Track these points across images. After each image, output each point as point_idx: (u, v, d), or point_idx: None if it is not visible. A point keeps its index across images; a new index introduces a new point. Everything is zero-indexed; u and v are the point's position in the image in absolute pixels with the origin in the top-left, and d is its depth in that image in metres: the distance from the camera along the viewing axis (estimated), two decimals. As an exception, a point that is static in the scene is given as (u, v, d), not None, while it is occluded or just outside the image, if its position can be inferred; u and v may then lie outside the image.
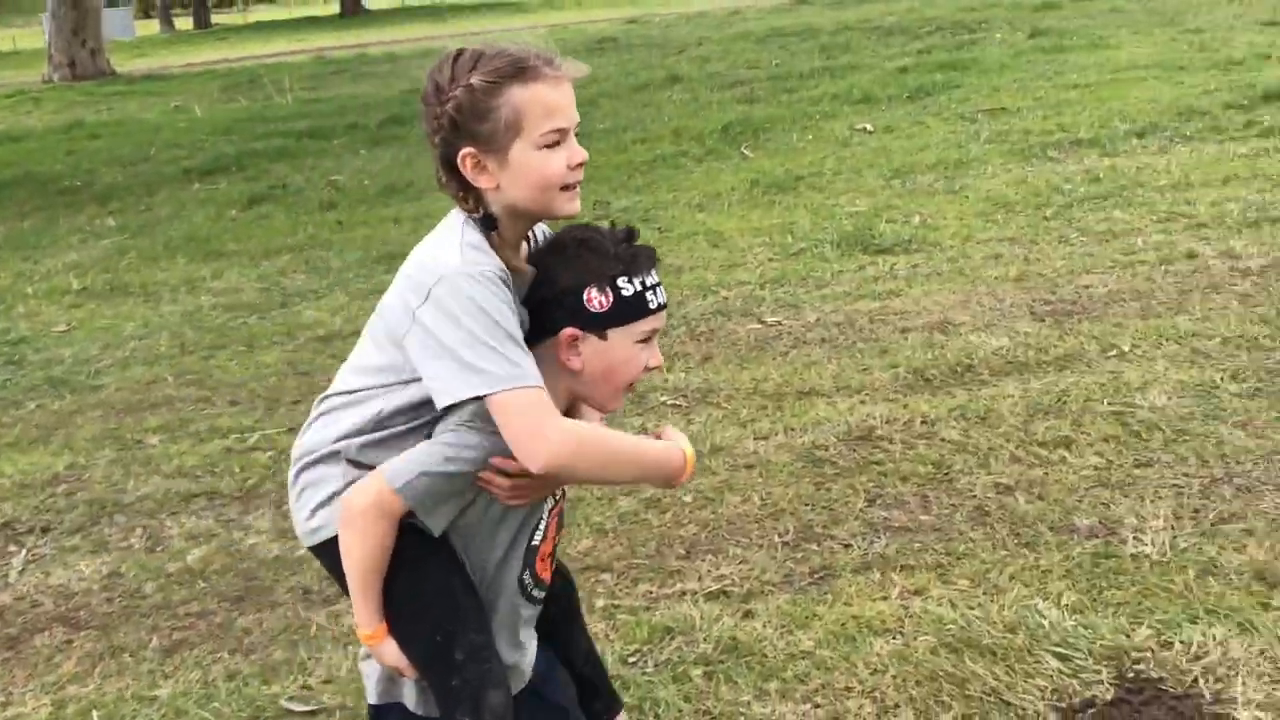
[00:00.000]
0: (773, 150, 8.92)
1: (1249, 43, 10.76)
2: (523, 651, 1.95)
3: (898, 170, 7.58)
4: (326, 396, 1.85)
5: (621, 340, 1.74)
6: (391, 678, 1.94)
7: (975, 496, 3.38)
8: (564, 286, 1.73)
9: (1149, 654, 2.57)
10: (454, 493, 1.73)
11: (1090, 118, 8.26)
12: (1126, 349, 4.25)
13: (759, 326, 5.05)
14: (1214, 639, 2.58)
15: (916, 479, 3.52)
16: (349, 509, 1.73)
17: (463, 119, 1.67)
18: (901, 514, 3.33)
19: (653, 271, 1.78)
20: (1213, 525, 3.06)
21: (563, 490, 1.93)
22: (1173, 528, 3.06)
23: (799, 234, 6.39)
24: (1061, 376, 4.09)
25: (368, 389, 1.78)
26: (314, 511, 1.80)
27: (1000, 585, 2.90)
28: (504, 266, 1.69)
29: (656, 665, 2.75)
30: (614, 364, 1.75)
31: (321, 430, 1.82)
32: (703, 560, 3.21)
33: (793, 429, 3.95)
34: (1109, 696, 2.46)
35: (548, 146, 1.67)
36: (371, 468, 1.75)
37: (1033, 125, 8.34)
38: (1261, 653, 2.53)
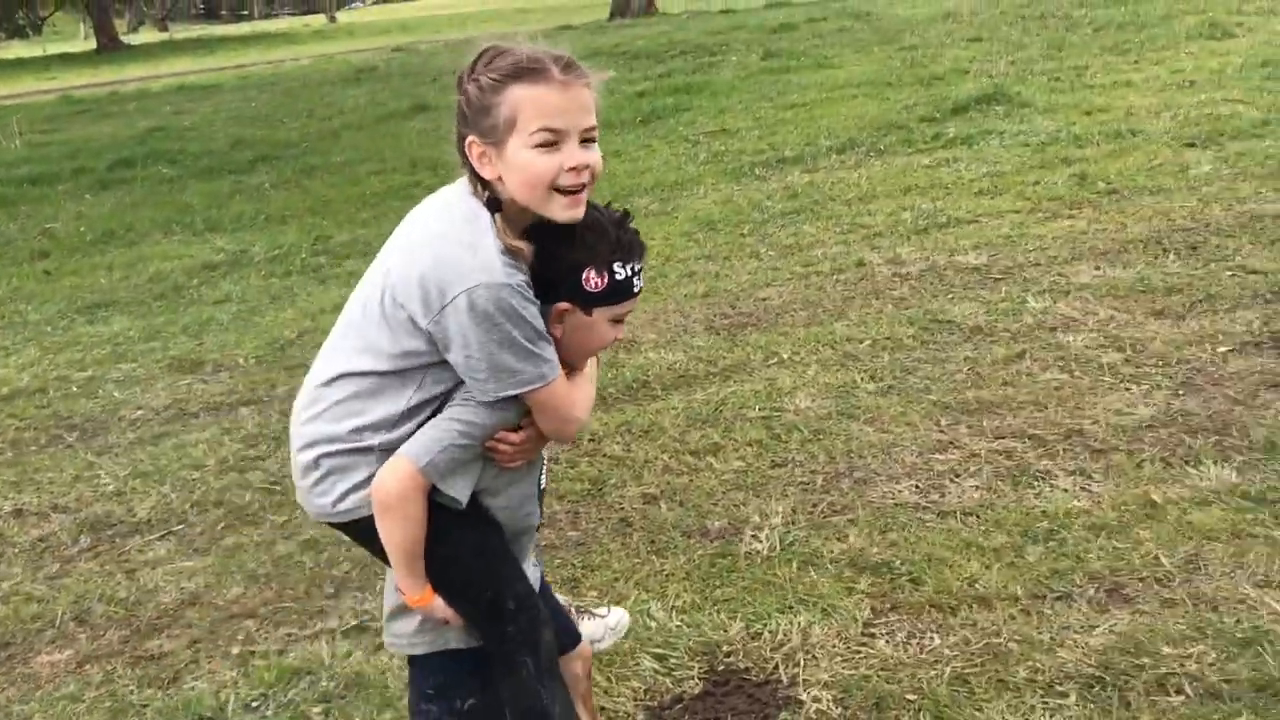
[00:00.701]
0: (506, 178, 9.00)
1: (954, 58, 11.55)
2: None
3: (618, 194, 7.77)
4: (341, 375, 1.83)
5: (601, 317, 1.87)
6: (425, 629, 1.99)
7: (623, 509, 3.52)
8: (566, 263, 1.82)
9: (739, 646, 2.74)
10: (467, 460, 1.83)
11: (799, 136, 8.71)
12: (786, 356, 4.51)
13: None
14: (798, 626, 2.77)
15: (572, 496, 3.64)
16: (384, 498, 1.80)
17: (470, 111, 1.76)
18: (551, 532, 3.43)
19: (641, 258, 1.90)
20: (823, 518, 3.29)
21: None
22: (790, 523, 3.27)
23: (512, 261, 6.47)
24: (724, 386, 4.31)
25: (387, 373, 1.79)
26: (345, 495, 1.84)
27: (624, 593, 3.04)
28: (529, 276, 1.77)
29: (277, 708, 2.75)
30: (590, 336, 1.89)
31: (344, 420, 1.82)
32: (349, 597, 3.23)
33: (466, 457, 4.01)
34: (697, 690, 2.62)
35: (541, 146, 1.72)
36: None
37: (748, 145, 8.72)
38: (838, 634, 2.74)
